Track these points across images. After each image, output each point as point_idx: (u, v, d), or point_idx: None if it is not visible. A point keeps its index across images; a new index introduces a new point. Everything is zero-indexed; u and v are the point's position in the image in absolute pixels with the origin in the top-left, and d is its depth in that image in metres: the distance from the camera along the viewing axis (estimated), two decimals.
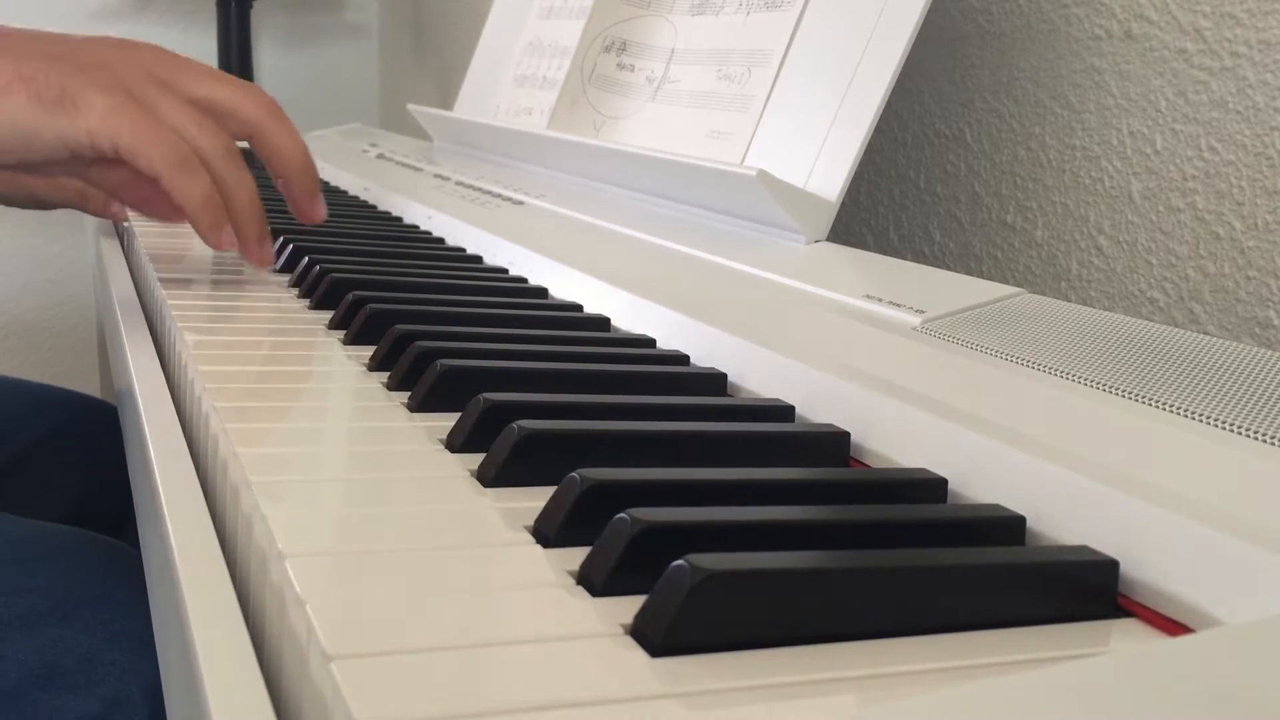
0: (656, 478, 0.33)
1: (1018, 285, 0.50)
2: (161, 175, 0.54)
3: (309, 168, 0.63)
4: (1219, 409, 0.34)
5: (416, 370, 0.44)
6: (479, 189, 0.88)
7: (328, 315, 0.57)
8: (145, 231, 0.76)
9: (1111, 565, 0.30)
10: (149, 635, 0.52)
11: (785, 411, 0.43)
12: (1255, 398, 0.35)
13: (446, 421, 0.40)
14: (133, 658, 0.51)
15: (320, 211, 0.64)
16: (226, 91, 0.60)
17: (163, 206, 0.60)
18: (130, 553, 0.60)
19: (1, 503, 0.82)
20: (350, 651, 0.24)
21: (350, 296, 0.55)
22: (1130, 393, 0.36)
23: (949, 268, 0.79)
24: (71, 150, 0.54)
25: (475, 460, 0.36)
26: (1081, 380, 0.37)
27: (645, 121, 0.79)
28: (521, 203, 0.81)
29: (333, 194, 1.03)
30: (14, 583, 0.54)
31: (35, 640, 0.51)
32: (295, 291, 0.62)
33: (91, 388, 1.86)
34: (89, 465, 0.90)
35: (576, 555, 0.29)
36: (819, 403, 0.42)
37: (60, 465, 0.89)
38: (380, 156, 1.17)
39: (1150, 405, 0.35)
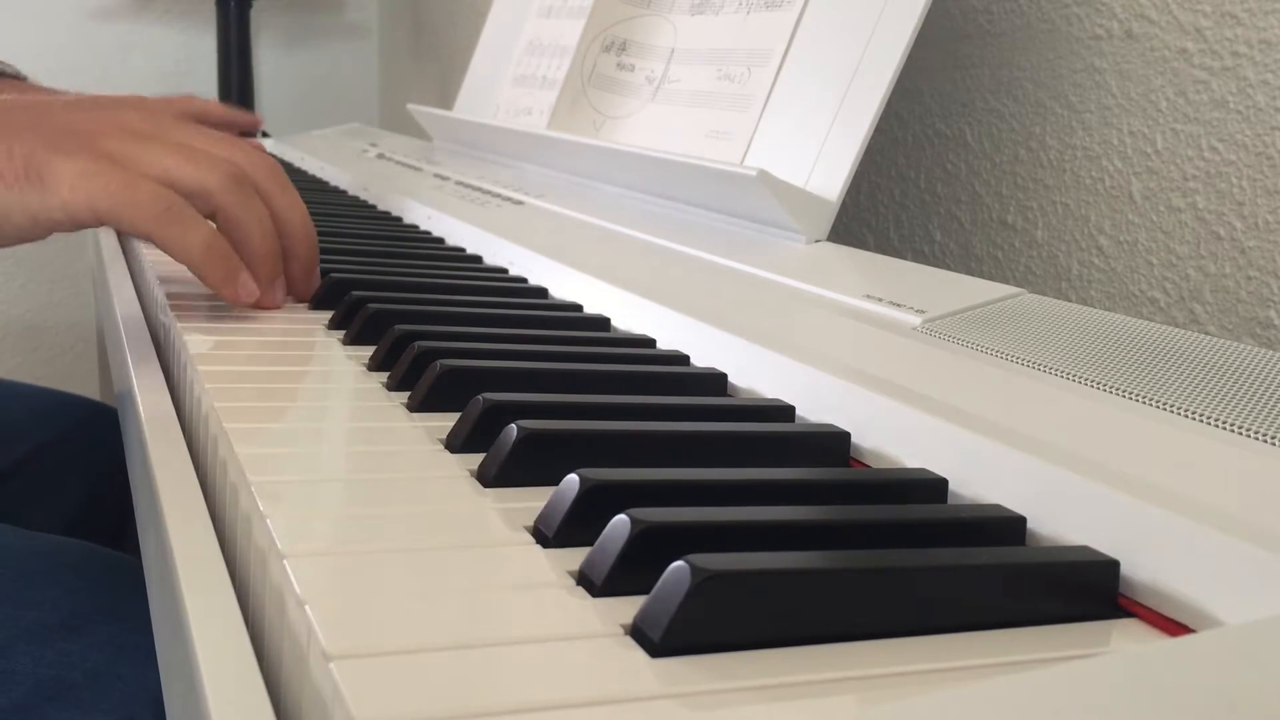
0: (656, 478, 0.33)
1: (1018, 285, 0.50)
2: (151, 234, 0.49)
3: (311, 240, 0.58)
4: (1219, 409, 0.34)
5: (416, 370, 0.44)
6: (479, 189, 0.88)
7: (327, 315, 0.57)
8: None
9: (1112, 565, 0.30)
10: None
11: (785, 411, 0.43)
12: (1256, 398, 0.35)
13: (446, 421, 0.40)
14: (140, 672, 0.51)
15: (310, 290, 0.58)
16: (222, 147, 0.54)
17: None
18: (137, 565, 0.60)
19: (4, 508, 0.82)
20: (350, 651, 0.24)
21: (350, 296, 0.55)
22: (1130, 393, 0.36)
23: (949, 268, 0.79)
24: (46, 228, 0.49)
25: (475, 460, 0.36)
26: (1082, 380, 0.37)
27: (645, 121, 0.79)
28: (521, 203, 0.81)
29: (332, 194, 1.03)
30: (22, 597, 0.53)
31: (43, 655, 0.51)
32: None
33: (91, 388, 1.86)
34: (93, 470, 0.90)
35: (576, 555, 0.29)
36: (819, 403, 0.42)
37: (64, 471, 0.88)
38: (380, 156, 1.17)
39: (1150, 405, 0.35)
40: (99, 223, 0.49)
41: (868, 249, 0.72)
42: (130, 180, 0.48)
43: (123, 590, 0.56)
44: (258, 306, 0.56)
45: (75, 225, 0.49)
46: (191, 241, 0.50)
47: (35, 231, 0.49)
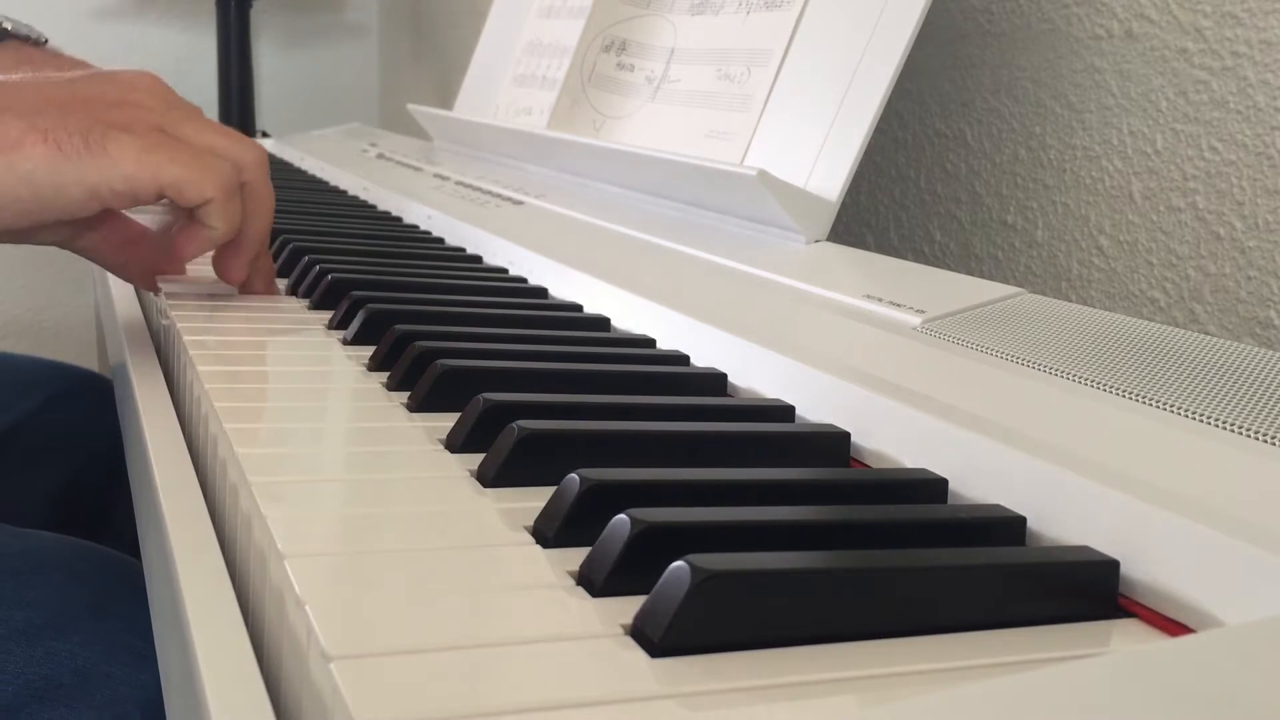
0: (656, 478, 0.33)
1: (1018, 285, 0.50)
2: (215, 200, 0.52)
3: (267, 233, 0.61)
4: (1219, 409, 0.34)
5: (416, 370, 0.44)
6: (479, 189, 0.88)
7: (327, 315, 0.57)
8: None
9: (1112, 565, 0.30)
10: (146, 649, 0.52)
11: (785, 411, 0.43)
12: (1256, 398, 0.35)
13: (446, 421, 0.40)
14: (129, 671, 0.51)
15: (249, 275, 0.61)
16: (224, 138, 0.56)
17: (141, 264, 0.57)
18: (128, 563, 0.59)
19: None
20: (349, 652, 0.24)
21: (350, 296, 0.55)
22: (1130, 393, 0.36)
23: (949, 268, 0.79)
24: (102, 201, 0.49)
25: (475, 460, 0.36)
26: (1081, 380, 0.37)
27: (645, 121, 0.79)
28: (521, 203, 0.81)
29: (332, 194, 1.03)
30: (10, 596, 0.53)
31: (32, 654, 0.51)
32: (295, 291, 0.62)
33: None
34: (78, 447, 0.89)
35: (576, 555, 0.29)
36: (819, 403, 0.42)
37: (51, 441, 0.88)
38: (380, 156, 1.17)
39: (1150, 405, 0.35)
40: (157, 196, 0.51)
41: (868, 249, 0.72)
42: (196, 153, 0.51)
43: (113, 589, 0.56)
44: (245, 290, 0.59)
45: (132, 200, 0.50)
46: (232, 216, 0.53)
47: (88, 206, 0.50)
